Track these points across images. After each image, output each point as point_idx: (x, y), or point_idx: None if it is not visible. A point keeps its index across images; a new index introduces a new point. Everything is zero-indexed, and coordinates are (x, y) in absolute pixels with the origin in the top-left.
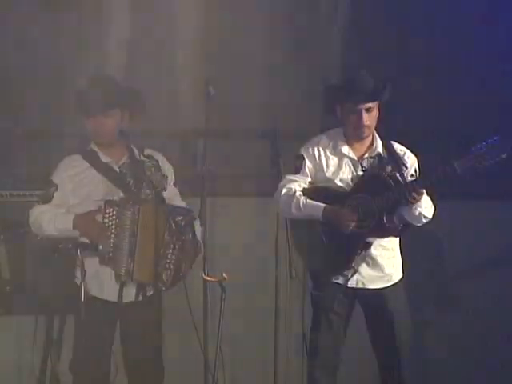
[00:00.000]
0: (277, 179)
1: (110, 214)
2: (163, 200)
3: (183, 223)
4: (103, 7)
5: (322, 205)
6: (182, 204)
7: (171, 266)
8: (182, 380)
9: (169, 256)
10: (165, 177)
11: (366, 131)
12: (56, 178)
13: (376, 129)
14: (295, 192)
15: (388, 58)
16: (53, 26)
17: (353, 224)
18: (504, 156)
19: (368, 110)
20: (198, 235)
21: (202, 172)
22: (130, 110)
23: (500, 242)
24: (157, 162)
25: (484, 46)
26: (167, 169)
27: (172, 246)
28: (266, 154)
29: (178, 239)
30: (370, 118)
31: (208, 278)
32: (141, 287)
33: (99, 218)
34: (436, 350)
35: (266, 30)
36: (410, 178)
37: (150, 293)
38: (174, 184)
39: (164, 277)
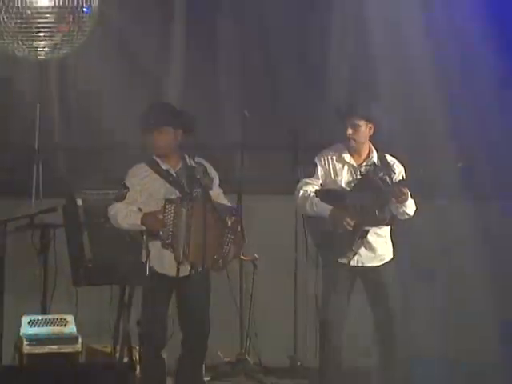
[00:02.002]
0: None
1: (169, 209)
2: (210, 198)
3: (236, 222)
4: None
5: (329, 207)
6: (225, 201)
7: (227, 255)
8: (222, 334)
9: (225, 247)
10: (211, 179)
11: (352, 143)
12: (128, 182)
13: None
14: (310, 193)
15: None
16: None
17: (351, 225)
18: (460, 165)
19: (354, 126)
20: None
21: (239, 176)
22: (182, 128)
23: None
24: (205, 167)
25: None
26: (213, 173)
27: (228, 239)
28: (289, 161)
29: (233, 234)
30: (356, 133)
31: (244, 258)
32: (193, 265)
33: (160, 215)
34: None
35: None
36: (396, 182)
37: (198, 269)
38: (219, 185)
39: (220, 262)
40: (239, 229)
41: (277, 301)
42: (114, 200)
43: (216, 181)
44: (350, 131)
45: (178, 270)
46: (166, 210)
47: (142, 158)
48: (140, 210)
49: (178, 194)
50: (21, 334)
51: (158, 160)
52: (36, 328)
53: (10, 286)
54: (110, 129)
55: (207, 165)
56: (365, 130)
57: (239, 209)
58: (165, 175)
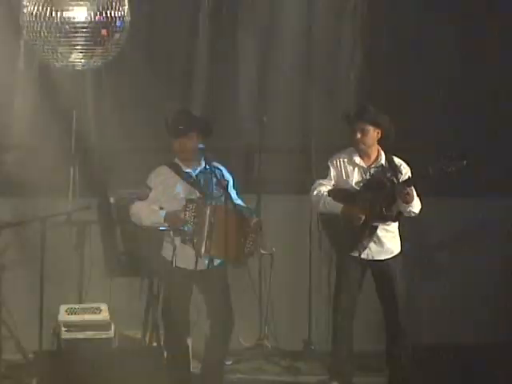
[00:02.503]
0: (310, 182)
1: (190, 208)
2: (229, 197)
3: (258, 223)
4: None
5: (341, 205)
6: (239, 201)
7: (249, 251)
8: (243, 321)
9: (248, 245)
10: (226, 181)
11: (361, 146)
12: (150, 183)
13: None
14: (323, 193)
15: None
16: None
17: (361, 218)
18: (465, 163)
19: (363, 131)
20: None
21: (258, 177)
22: (202, 134)
23: None
24: (221, 170)
25: None
26: (227, 176)
27: (251, 238)
28: (303, 164)
29: (255, 234)
30: (364, 137)
31: (262, 251)
32: (211, 259)
33: (181, 213)
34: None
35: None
36: (402, 182)
37: (216, 263)
38: (233, 186)
39: (242, 258)
40: (260, 229)
41: (292, 290)
42: (135, 199)
43: (230, 183)
44: (359, 135)
45: (196, 263)
46: (187, 209)
47: (164, 160)
48: (161, 208)
49: (197, 194)
50: (59, 321)
51: (179, 163)
52: (73, 316)
53: (50, 277)
54: (140, 133)
55: (222, 168)
56: (373, 134)
57: (258, 206)
58: (185, 177)
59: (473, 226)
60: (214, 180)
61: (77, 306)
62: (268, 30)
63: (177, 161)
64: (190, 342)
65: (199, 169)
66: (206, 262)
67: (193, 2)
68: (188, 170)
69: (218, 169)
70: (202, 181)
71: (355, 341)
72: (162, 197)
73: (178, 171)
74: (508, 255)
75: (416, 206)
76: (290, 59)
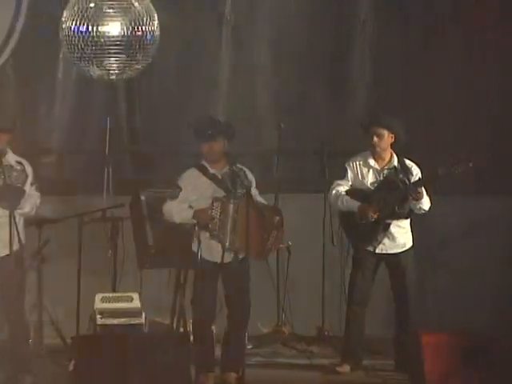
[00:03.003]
0: (323, 182)
1: (217, 206)
2: (252, 197)
3: (280, 220)
4: None
5: (357, 203)
6: (261, 199)
7: (271, 247)
8: (262, 309)
9: (270, 241)
10: (250, 182)
11: (377, 149)
12: (180, 183)
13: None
14: (341, 193)
15: None
16: None
17: (375, 217)
18: (471, 165)
19: (379, 135)
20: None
21: (276, 177)
22: (227, 138)
23: None
24: (244, 172)
25: None
26: (251, 177)
27: (273, 234)
28: (317, 165)
29: (277, 230)
30: (380, 141)
31: (280, 245)
32: (235, 253)
33: (209, 211)
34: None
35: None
36: (413, 182)
37: (241, 256)
38: (255, 187)
39: (264, 252)
40: (282, 226)
41: (307, 281)
42: (168, 198)
43: (253, 183)
44: (375, 139)
45: (222, 257)
46: (214, 207)
47: (193, 162)
48: (191, 206)
49: (223, 193)
50: (94, 308)
51: (207, 165)
52: (107, 304)
53: (86, 269)
54: (167, 137)
55: (246, 169)
56: (387, 138)
57: (276, 204)
58: (212, 178)
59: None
60: (238, 180)
61: (111, 295)
62: (282, 42)
63: (204, 163)
64: (214, 327)
65: (224, 170)
66: (231, 255)
67: (216, 18)
68: (214, 172)
69: (242, 170)
70: (227, 181)
71: (365, 326)
72: (191, 196)
73: (205, 172)
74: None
75: (426, 203)
76: (303, 71)
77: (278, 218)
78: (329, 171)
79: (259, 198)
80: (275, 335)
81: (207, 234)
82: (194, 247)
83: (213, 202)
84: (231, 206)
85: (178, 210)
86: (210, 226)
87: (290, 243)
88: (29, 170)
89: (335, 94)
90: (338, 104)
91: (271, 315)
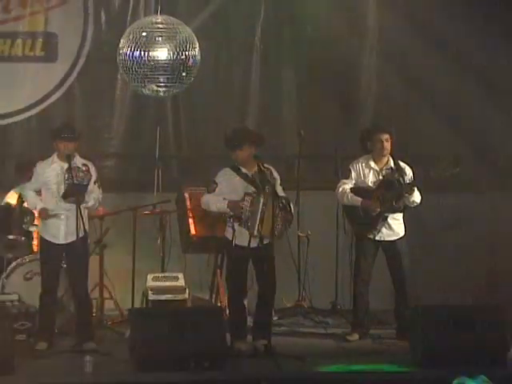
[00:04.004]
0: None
1: (247, 200)
2: (276, 192)
3: (286, 204)
4: None
5: (360, 199)
6: (283, 194)
7: (280, 226)
8: (286, 287)
9: (278, 221)
10: (275, 179)
11: (385, 152)
12: (217, 180)
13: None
14: (346, 190)
15: None
16: None
17: (377, 210)
18: (458, 170)
19: (386, 140)
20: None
21: (297, 177)
22: (256, 144)
23: None
24: (271, 171)
25: None
26: (276, 175)
27: (281, 215)
28: (331, 167)
29: (284, 211)
30: (387, 145)
31: (300, 234)
32: (261, 239)
33: (240, 203)
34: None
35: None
36: (407, 181)
37: (265, 242)
38: (280, 184)
39: (276, 232)
40: (290, 210)
41: (323, 263)
42: (206, 192)
43: (278, 181)
44: (384, 144)
45: (249, 242)
46: (245, 200)
47: (227, 164)
48: (225, 199)
49: (253, 189)
50: (147, 286)
51: (239, 166)
52: (157, 282)
53: (140, 254)
54: (207, 143)
55: (272, 169)
56: (390, 142)
57: (298, 199)
58: (244, 176)
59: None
60: (265, 179)
61: (160, 275)
62: (302, 64)
63: (237, 164)
64: (246, 302)
65: (254, 170)
66: (258, 241)
67: (248, 44)
68: (245, 171)
69: (269, 169)
70: (256, 179)
71: (370, 301)
72: (225, 190)
73: (237, 172)
74: None
75: (417, 197)
76: (320, 88)
77: (283, 200)
78: (341, 172)
79: (282, 193)
80: (296, 309)
81: (238, 224)
82: (228, 234)
83: (244, 196)
84: (260, 200)
85: (214, 201)
86: (242, 216)
87: (309, 232)
88: (92, 170)
89: (346, 107)
90: (349, 115)
91: (293, 292)
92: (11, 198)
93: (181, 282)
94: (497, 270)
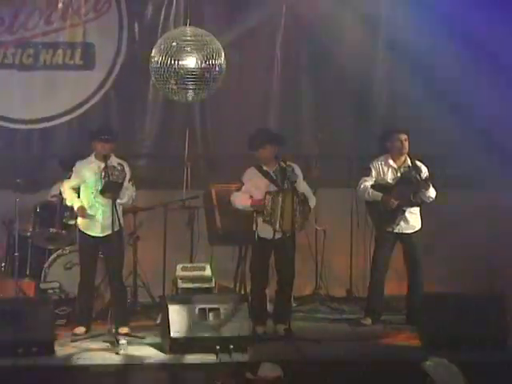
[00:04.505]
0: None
1: (269, 198)
2: (296, 190)
3: (303, 198)
4: None
5: (380, 194)
6: (308, 189)
7: (299, 220)
8: (304, 276)
9: (297, 215)
10: (297, 176)
11: (403, 151)
12: (243, 179)
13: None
14: (367, 186)
15: None
16: None
17: (395, 204)
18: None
19: (405, 140)
20: (312, 204)
21: (315, 175)
22: (278, 145)
23: None
24: (293, 168)
25: None
26: (299, 171)
27: (299, 209)
28: (347, 166)
29: (303, 206)
30: (405, 145)
31: (318, 228)
32: (282, 233)
33: (263, 201)
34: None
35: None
36: (423, 178)
37: (288, 234)
38: (303, 180)
39: (296, 226)
40: (308, 204)
41: (339, 254)
42: (234, 190)
43: (300, 176)
44: (403, 144)
45: (273, 235)
46: (267, 198)
47: (252, 163)
48: (251, 196)
49: (274, 187)
50: (176, 275)
51: (262, 165)
52: (186, 272)
53: (170, 245)
54: (232, 144)
55: (295, 166)
56: (408, 142)
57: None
58: (266, 175)
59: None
60: (286, 176)
61: (188, 265)
62: (319, 72)
63: (260, 163)
64: (267, 290)
65: (275, 167)
66: (280, 234)
67: (269, 55)
68: (267, 170)
69: (291, 166)
70: (277, 178)
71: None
72: (251, 188)
73: (261, 171)
74: None
75: (433, 193)
76: (337, 93)
77: (300, 193)
78: (356, 171)
79: (306, 188)
80: (314, 296)
81: (262, 219)
82: (254, 228)
83: (265, 195)
84: (280, 197)
85: (240, 199)
86: (264, 212)
87: (326, 226)
88: (127, 169)
89: (361, 110)
90: (363, 118)
91: (311, 281)
92: (53, 194)
93: (207, 272)
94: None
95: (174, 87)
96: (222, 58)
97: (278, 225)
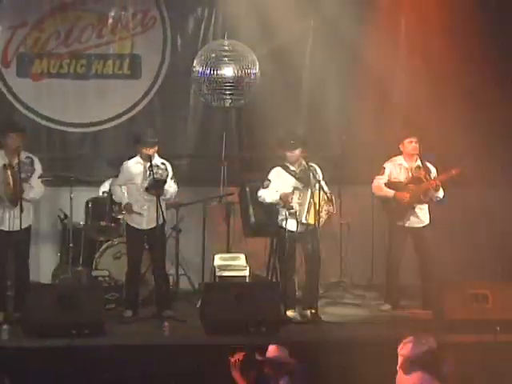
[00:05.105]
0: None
1: (296, 193)
2: (322, 186)
3: (329, 196)
4: None
5: (393, 191)
6: (326, 188)
7: (323, 216)
8: (330, 264)
9: (323, 210)
10: (318, 175)
11: (416, 151)
12: (270, 177)
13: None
14: (381, 184)
15: None
16: None
17: (408, 200)
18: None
19: (416, 143)
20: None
21: (339, 174)
22: (304, 146)
23: None
24: (314, 168)
25: None
26: (320, 172)
27: (326, 206)
28: (367, 166)
29: (327, 205)
30: (417, 147)
31: (342, 222)
32: (308, 225)
33: (290, 196)
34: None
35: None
36: (432, 178)
37: (310, 227)
38: (323, 179)
39: (320, 220)
40: (332, 202)
41: (361, 246)
42: (261, 186)
43: (321, 176)
44: (415, 145)
45: (297, 227)
46: (294, 193)
47: (279, 163)
48: (277, 191)
49: (300, 184)
50: (214, 264)
51: (288, 164)
52: (223, 261)
53: (209, 237)
54: (263, 145)
55: (316, 167)
56: (419, 144)
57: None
58: (292, 174)
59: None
60: (311, 175)
61: (225, 255)
62: (344, 80)
63: (286, 163)
64: (295, 277)
65: (301, 168)
66: (303, 227)
67: (298, 63)
68: (294, 169)
69: (313, 167)
70: (302, 176)
71: (400, 278)
72: (277, 185)
73: (287, 170)
74: None
75: (441, 193)
76: (359, 101)
77: (328, 192)
78: (376, 170)
79: (326, 187)
80: (339, 283)
81: (288, 213)
82: (280, 222)
83: (293, 191)
84: (306, 193)
85: (268, 195)
86: (291, 207)
87: (349, 220)
88: (169, 168)
89: (380, 115)
90: (381, 122)
91: (336, 270)
92: (103, 190)
93: (242, 261)
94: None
95: (213, 94)
96: (257, 68)
97: (303, 218)
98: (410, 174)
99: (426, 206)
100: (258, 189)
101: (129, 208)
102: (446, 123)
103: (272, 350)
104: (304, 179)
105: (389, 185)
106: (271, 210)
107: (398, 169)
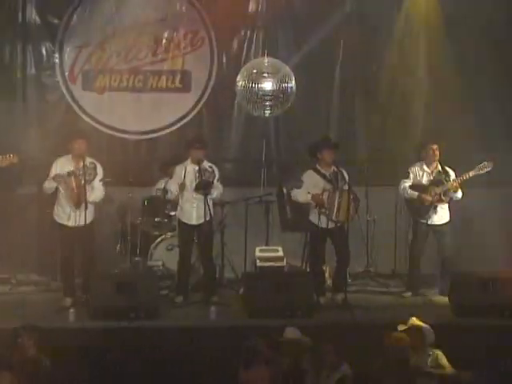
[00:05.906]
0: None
1: (326, 194)
2: (351, 188)
3: (356, 196)
4: None
5: (416, 193)
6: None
7: (351, 213)
8: (357, 255)
9: (351, 209)
10: (345, 178)
11: (435, 158)
12: (303, 179)
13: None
14: (406, 187)
15: None
16: None
17: (429, 201)
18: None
19: (436, 149)
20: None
21: (366, 176)
22: (334, 150)
23: None
24: (342, 172)
25: None
26: (346, 175)
27: (352, 205)
28: (391, 169)
29: (354, 203)
30: (437, 153)
31: (368, 218)
32: (336, 222)
33: (321, 196)
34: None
35: None
36: (451, 179)
37: (338, 224)
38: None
39: (349, 217)
40: (358, 201)
41: (385, 240)
42: (295, 188)
43: (347, 179)
44: (436, 152)
45: (327, 224)
46: (325, 194)
47: (310, 166)
48: (309, 192)
49: (330, 185)
50: (255, 256)
51: (319, 167)
52: (263, 253)
53: (250, 232)
54: (299, 150)
55: (343, 171)
56: (439, 150)
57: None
58: (323, 176)
59: None
60: (340, 177)
61: (265, 248)
62: (370, 93)
63: (317, 166)
64: (325, 267)
65: (331, 171)
66: (335, 223)
67: (330, 78)
68: (324, 172)
69: (341, 171)
70: (332, 178)
71: (421, 268)
72: (309, 186)
73: (318, 172)
74: None
75: (459, 194)
76: (383, 112)
77: (353, 193)
78: (400, 174)
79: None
80: (365, 273)
81: (319, 211)
82: (311, 218)
83: (323, 191)
84: (336, 194)
85: (301, 194)
86: (323, 205)
87: (375, 216)
88: (216, 171)
89: (402, 124)
90: (405, 130)
91: (363, 260)
92: (157, 188)
93: (280, 253)
94: None
95: (255, 106)
96: (293, 81)
97: (334, 216)
98: (432, 178)
99: (446, 206)
100: (293, 189)
101: (182, 187)
102: (461, 131)
103: (288, 332)
104: (333, 181)
105: (413, 187)
106: (305, 208)
107: (420, 172)
